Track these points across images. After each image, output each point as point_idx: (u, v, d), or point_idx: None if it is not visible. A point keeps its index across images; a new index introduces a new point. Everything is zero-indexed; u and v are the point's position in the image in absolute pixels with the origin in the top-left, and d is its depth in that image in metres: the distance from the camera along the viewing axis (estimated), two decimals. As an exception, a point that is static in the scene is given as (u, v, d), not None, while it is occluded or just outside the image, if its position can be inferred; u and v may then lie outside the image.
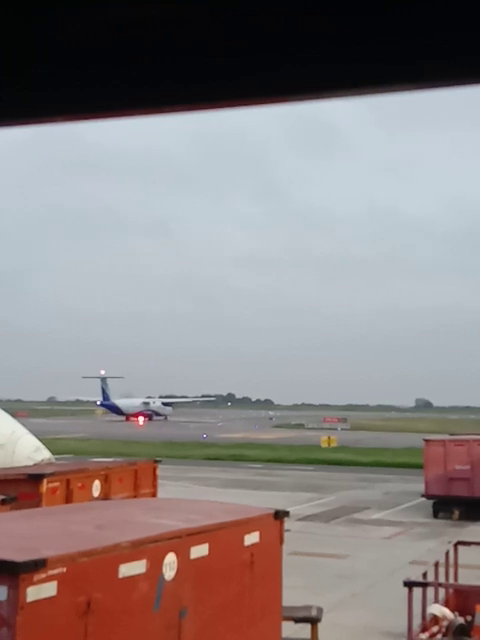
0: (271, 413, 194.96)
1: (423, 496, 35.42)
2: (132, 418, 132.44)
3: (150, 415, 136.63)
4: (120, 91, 1.20)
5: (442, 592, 14.80)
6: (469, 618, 14.02)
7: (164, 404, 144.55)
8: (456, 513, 33.69)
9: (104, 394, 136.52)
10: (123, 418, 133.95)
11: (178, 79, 1.18)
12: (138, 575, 8.01)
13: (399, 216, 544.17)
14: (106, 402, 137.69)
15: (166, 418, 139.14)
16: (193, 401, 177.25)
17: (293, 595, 13.30)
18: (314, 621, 13.49)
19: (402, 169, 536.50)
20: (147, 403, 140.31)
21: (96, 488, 18.12)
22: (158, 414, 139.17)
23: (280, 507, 11.27)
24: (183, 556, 8.67)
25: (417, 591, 13.27)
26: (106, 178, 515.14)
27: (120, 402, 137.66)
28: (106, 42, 1.17)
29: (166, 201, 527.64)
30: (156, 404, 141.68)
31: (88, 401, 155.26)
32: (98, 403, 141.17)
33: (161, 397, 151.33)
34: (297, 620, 13.38)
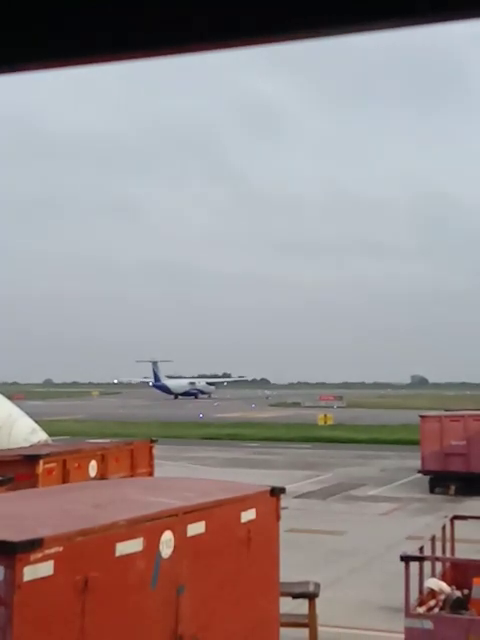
0: (267, 392, 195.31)
1: (419, 472, 35.59)
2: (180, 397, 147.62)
3: (196, 394, 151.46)
4: (111, 33, 1.15)
5: (439, 566, 14.87)
6: (466, 591, 14.09)
7: (208, 384, 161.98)
8: (452, 488, 33.87)
9: (155, 376, 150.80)
10: (172, 397, 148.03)
11: (166, 18, 1.13)
12: (135, 553, 8.01)
13: (359, 196, 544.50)
14: (157, 383, 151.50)
15: (210, 396, 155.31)
16: (231, 382, 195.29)
17: (291, 571, 13.34)
18: (312, 597, 13.55)
19: (349, 148, 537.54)
20: (193, 383, 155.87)
21: (92, 468, 18.14)
22: (203, 392, 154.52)
23: (277, 485, 11.28)
24: (180, 534, 8.67)
25: (414, 566, 13.32)
26: (58, 162, 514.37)
27: (169, 382, 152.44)
28: None
29: (123, 185, 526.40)
30: (201, 384, 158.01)
31: (140, 382, 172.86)
32: (151, 384, 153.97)
33: (202, 377, 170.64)
34: (295, 596, 13.44)
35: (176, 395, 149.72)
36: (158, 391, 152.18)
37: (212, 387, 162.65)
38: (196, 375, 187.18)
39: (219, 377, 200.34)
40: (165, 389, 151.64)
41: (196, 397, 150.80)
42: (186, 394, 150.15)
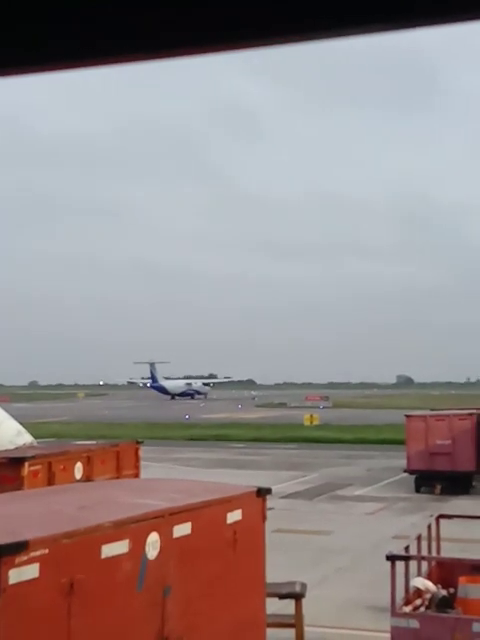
0: (254, 393, 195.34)
1: (405, 471, 35.69)
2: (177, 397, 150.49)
3: (192, 394, 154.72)
4: (115, 35, 1.15)
5: (425, 565, 14.93)
6: (452, 590, 14.15)
7: (204, 384, 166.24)
8: (438, 487, 33.99)
9: (153, 377, 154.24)
10: (169, 397, 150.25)
11: (165, 20, 1.13)
12: (121, 555, 8.01)
13: (342, 197, 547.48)
14: (155, 384, 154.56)
15: (206, 396, 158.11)
16: (217, 382, 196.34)
17: (278, 572, 13.36)
18: (298, 597, 13.57)
19: (330, 150, 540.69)
20: (189, 384, 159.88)
21: (78, 470, 18.10)
22: (199, 393, 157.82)
23: (264, 485, 11.29)
24: (166, 535, 8.67)
25: (400, 565, 13.36)
26: (41, 164, 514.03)
27: (166, 383, 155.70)
28: None
29: (107, 186, 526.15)
30: (197, 385, 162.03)
31: (142, 384, 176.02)
32: (148, 385, 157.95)
33: (188, 378, 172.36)
34: (281, 596, 13.46)
35: (173, 396, 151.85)
36: (155, 391, 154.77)
37: (208, 388, 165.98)
38: (182, 376, 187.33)
39: (205, 378, 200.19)
40: (162, 390, 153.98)
41: (192, 397, 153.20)
42: (183, 394, 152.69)
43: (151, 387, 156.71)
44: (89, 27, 1.16)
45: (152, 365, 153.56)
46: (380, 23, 1.09)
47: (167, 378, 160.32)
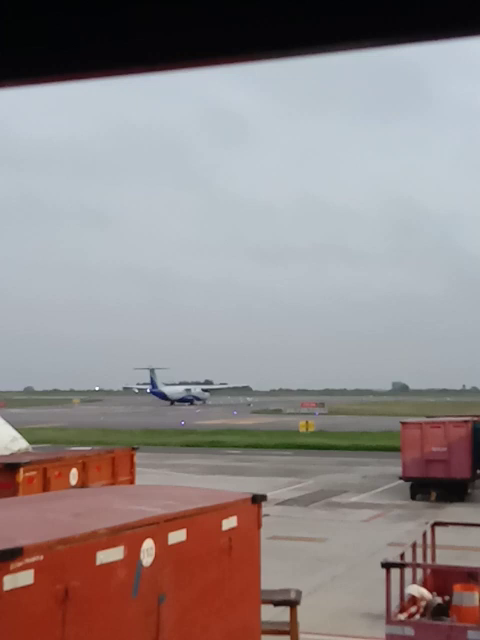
0: (249, 399, 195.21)
1: (401, 478, 35.67)
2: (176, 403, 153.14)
3: (191, 400, 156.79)
4: (112, 48, 1.16)
5: (420, 573, 14.92)
6: (447, 598, 14.14)
7: (203, 390, 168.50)
8: (433, 494, 33.98)
9: (152, 383, 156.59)
10: (168, 403, 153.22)
11: (167, 32, 1.13)
12: (116, 562, 7.99)
13: (327, 203, 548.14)
14: (154, 389, 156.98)
15: (204, 402, 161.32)
16: (212, 389, 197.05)
17: (273, 579, 13.36)
18: (293, 604, 13.54)
19: (316, 157, 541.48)
20: (188, 390, 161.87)
21: (73, 476, 18.06)
22: (198, 399, 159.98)
23: (259, 492, 11.28)
24: (161, 542, 8.66)
25: (395, 572, 13.36)
26: (29, 169, 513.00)
27: (166, 389, 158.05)
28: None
29: (97, 192, 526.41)
30: (196, 391, 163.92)
31: (137, 390, 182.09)
32: (148, 391, 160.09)
33: (183, 384, 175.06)
34: (276, 603, 13.42)
35: (172, 402, 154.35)
36: (155, 397, 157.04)
37: (207, 394, 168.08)
38: (177, 382, 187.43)
39: (201, 384, 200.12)
40: (162, 396, 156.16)
41: (191, 403, 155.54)
42: (182, 400, 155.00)
43: (151, 393, 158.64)
44: (88, 41, 1.16)
45: (152, 371, 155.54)
46: (378, 39, 1.09)
47: (166, 384, 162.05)
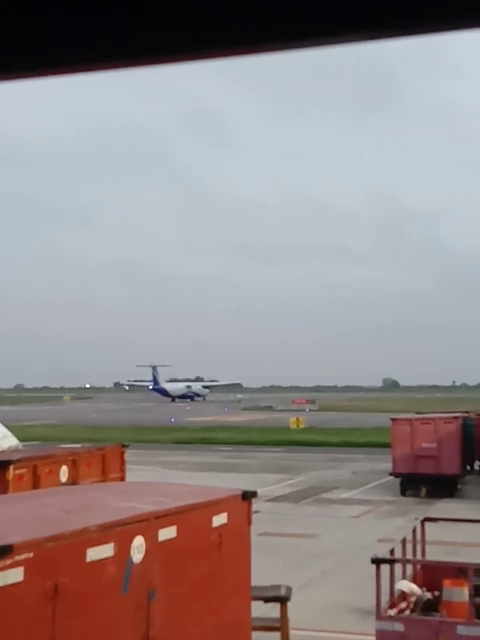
0: (240, 396, 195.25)
1: (391, 474, 35.74)
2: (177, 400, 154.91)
3: (192, 396, 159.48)
4: (110, 41, 1.15)
5: (410, 568, 14.96)
6: (437, 593, 14.18)
7: (203, 387, 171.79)
8: (423, 490, 34.06)
9: (154, 380, 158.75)
10: (169, 400, 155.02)
11: (164, 25, 1.13)
12: (106, 559, 7.99)
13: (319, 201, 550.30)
14: (156, 386, 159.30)
15: (204, 398, 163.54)
16: (203, 386, 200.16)
17: (264, 575, 13.37)
18: (283, 600, 13.57)
19: (302, 155, 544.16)
20: (189, 386, 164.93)
21: (63, 474, 18.05)
22: (198, 395, 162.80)
23: (249, 489, 11.29)
24: (151, 539, 8.66)
25: (385, 568, 13.39)
26: (14, 166, 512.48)
27: (167, 386, 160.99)
28: None
29: (82, 190, 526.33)
30: (197, 387, 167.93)
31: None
32: (150, 388, 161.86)
33: (174, 381, 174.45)
34: (266, 600, 13.45)
35: (173, 398, 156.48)
36: (157, 394, 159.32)
37: (207, 390, 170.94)
38: (168, 379, 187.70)
39: (192, 381, 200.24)
40: (163, 392, 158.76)
41: (192, 399, 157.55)
42: (183, 397, 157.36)
43: (153, 389, 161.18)
44: (87, 33, 1.16)
45: (154, 368, 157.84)
46: (375, 31, 1.09)
47: (169, 381, 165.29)
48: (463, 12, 1.06)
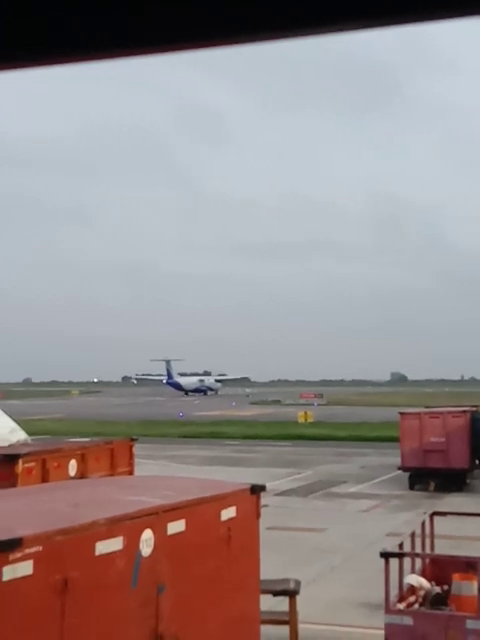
0: (248, 390, 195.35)
1: (399, 469, 35.71)
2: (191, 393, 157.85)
3: (205, 391, 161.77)
4: (109, 30, 1.14)
5: (418, 562, 14.94)
6: (446, 587, 14.17)
7: (216, 381, 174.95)
8: (432, 485, 34.02)
9: (168, 374, 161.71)
10: (183, 394, 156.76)
11: (164, 14, 1.11)
12: (115, 552, 8.00)
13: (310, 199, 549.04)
14: (170, 380, 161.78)
15: (217, 392, 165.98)
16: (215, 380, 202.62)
17: (272, 569, 13.36)
18: (292, 594, 13.56)
19: (299, 153, 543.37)
20: (202, 380, 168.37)
21: (72, 468, 18.07)
22: (211, 389, 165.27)
23: (257, 483, 11.28)
24: (160, 532, 8.66)
25: (394, 562, 13.38)
26: (18, 167, 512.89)
27: (181, 380, 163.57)
28: None
29: (82, 190, 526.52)
30: (210, 381, 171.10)
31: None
32: (164, 381, 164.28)
33: (183, 375, 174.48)
34: (275, 593, 13.44)
35: (186, 392, 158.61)
36: (170, 388, 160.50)
37: (219, 384, 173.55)
38: (177, 373, 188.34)
39: (200, 375, 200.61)
40: (177, 386, 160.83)
41: (205, 394, 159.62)
42: (196, 391, 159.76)
43: (167, 383, 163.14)
44: (87, 21, 1.15)
45: (168, 362, 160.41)
46: (379, 18, 1.08)
47: (182, 375, 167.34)
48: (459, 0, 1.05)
